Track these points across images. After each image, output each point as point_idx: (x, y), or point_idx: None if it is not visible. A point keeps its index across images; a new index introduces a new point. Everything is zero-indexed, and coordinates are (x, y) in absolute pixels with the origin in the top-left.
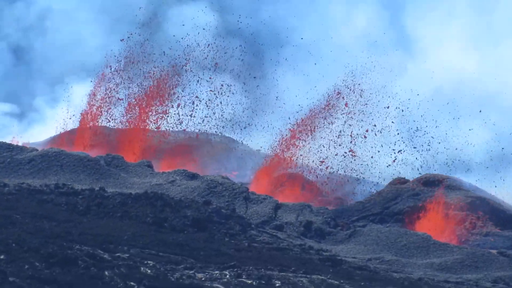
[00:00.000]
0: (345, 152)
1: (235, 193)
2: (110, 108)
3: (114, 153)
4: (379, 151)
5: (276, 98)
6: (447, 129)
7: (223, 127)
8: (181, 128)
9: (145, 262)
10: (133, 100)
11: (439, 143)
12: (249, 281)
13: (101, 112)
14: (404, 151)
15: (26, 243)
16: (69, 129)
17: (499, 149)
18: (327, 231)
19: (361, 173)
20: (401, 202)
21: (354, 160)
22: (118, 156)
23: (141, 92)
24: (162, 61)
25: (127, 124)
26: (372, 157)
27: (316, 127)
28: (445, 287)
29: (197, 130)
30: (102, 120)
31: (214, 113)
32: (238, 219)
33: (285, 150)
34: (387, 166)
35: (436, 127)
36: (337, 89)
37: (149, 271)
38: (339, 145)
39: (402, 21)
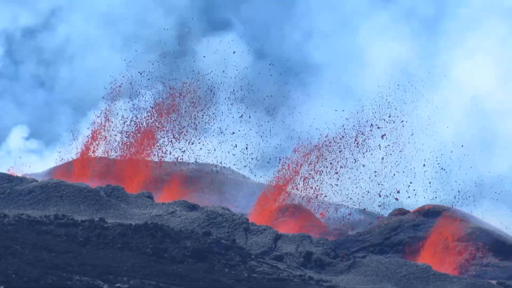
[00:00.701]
0: (390, 193)
1: (235, 224)
2: (112, 139)
3: (114, 183)
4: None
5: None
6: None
7: (234, 164)
8: (186, 160)
9: None
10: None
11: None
12: None
13: (104, 142)
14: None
15: (25, 274)
16: (70, 159)
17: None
18: (327, 261)
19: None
20: (402, 232)
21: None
22: (118, 187)
23: (153, 123)
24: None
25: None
26: (398, 192)
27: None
28: None
29: (198, 160)
30: (105, 151)
31: (230, 151)
32: (238, 250)
33: (287, 181)
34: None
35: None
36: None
37: None
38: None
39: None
